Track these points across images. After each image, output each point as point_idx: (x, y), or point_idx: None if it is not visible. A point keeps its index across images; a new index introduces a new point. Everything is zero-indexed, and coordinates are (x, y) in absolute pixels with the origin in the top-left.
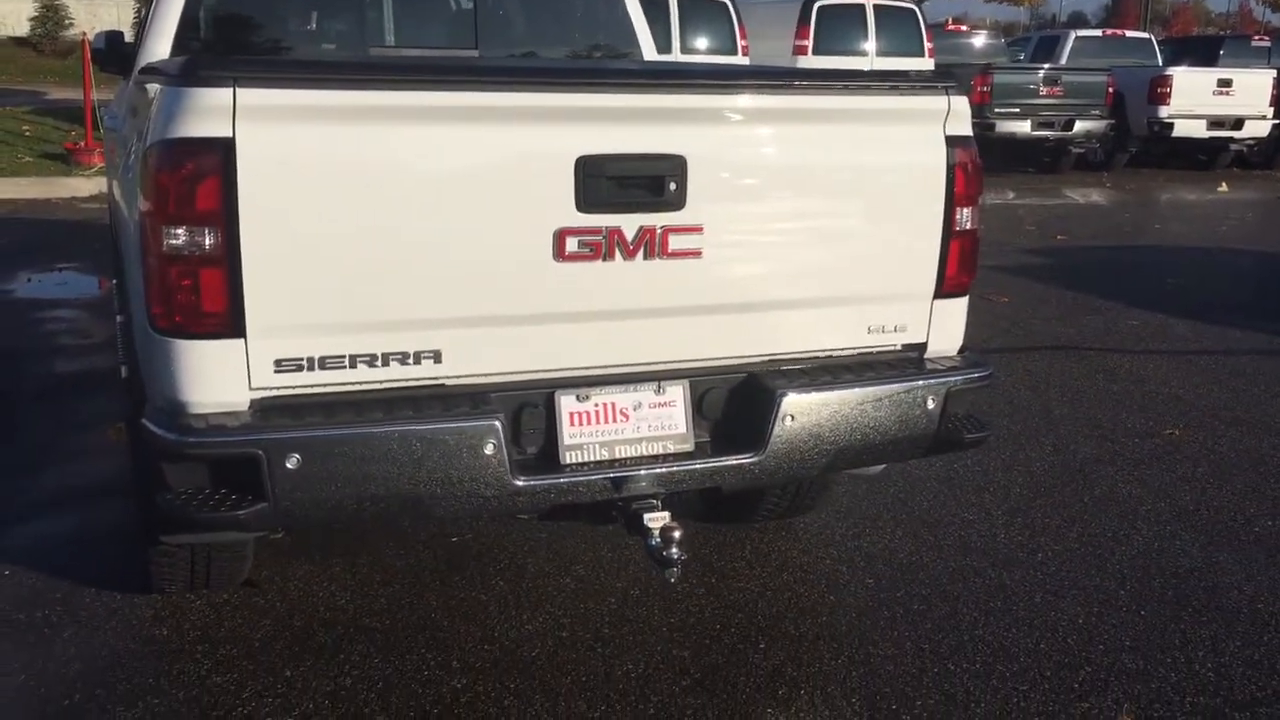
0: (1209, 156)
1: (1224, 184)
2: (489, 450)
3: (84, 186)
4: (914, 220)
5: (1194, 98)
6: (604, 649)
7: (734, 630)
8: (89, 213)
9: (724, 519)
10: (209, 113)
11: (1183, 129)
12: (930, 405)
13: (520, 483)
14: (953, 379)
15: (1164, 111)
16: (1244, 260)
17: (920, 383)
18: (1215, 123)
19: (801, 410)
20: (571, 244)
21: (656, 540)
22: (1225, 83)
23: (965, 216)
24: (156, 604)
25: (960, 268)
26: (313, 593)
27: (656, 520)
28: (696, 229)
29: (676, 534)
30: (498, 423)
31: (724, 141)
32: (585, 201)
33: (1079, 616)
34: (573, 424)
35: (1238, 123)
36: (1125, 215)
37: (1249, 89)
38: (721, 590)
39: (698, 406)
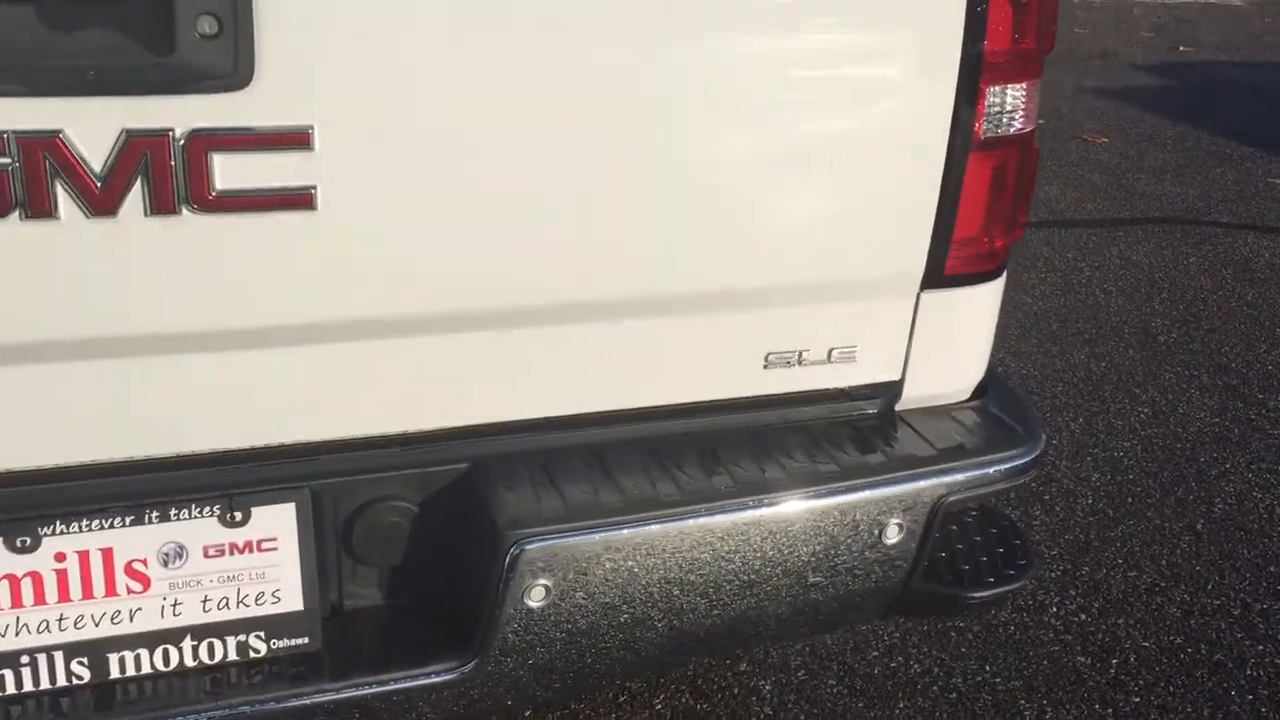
0: None
1: None
2: None
3: None
4: (878, 112)
5: None
6: None
7: None
8: None
9: None
10: None
11: None
12: (891, 536)
13: None
14: (948, 477)
15: None
16: None
17: (865, 494)
18: None
19: (567, 570)
20: None
21: None
22: None
23: (1007, 103)
24: None
25: (989, 217)
26: None
27: None
28: (298, 138)
29: None
30: None
31: None
32: None
33: None
34: None
35: None
36: (1268, 20)
37: None
38: None
39: (344, 545)
